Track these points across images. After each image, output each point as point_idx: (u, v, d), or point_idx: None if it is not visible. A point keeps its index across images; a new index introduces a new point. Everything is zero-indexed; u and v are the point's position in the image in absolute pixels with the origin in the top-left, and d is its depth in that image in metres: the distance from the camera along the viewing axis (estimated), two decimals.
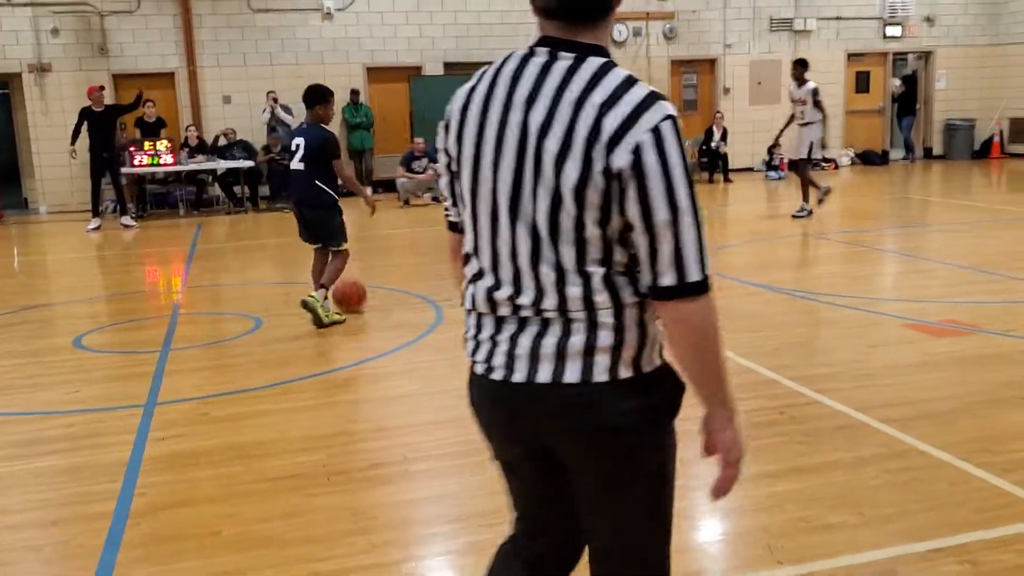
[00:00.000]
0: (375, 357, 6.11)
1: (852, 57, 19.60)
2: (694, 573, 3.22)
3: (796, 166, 12.13)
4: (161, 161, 14.54)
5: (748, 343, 5.98)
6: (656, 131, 1.65)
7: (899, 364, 5.45)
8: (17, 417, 5.15)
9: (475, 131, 1.81)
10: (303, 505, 3.82)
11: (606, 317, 1.75)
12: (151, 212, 15.29)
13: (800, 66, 11.96)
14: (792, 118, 12.13)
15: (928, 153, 20.19)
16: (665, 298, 1.70)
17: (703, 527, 3.57)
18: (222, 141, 15.63)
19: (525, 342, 1.80)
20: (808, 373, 5.32)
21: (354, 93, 16.72)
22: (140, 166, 14.49)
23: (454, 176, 1.91)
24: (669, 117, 1.67)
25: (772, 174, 17.85)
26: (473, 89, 1.85)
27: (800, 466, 4.02)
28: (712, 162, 17.57)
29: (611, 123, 1.65)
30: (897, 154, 19.97)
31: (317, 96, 6.99)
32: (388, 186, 16.84)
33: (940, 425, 4.45)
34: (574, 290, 1.74)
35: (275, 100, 15.79)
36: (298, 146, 6.98)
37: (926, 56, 19.97)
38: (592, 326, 1.75)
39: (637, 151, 1.64)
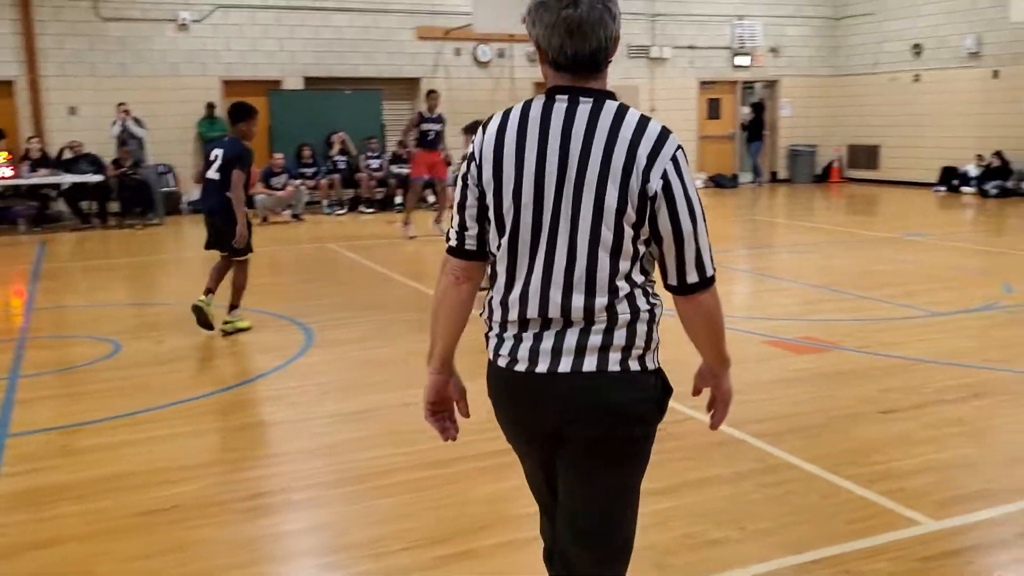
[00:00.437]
0: (245, 382, 5.91)
1: (704, 85, 20.43)
2: None
3: None
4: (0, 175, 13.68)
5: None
6: (675, 159, 2.05)
7: (765, 380, 5.67)
8: None
9: (514, 166, 2.08)
10: (181, 539, 3.64)
11: (623, 323, 2.08)
12: None
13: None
14: None
15: (774, 177, 21.21)
16: (690, 292, 2.11)
17: None
18: (68, 154, 14.85)
19: (549, 342, 2.09)
20: (681, 390, 5.42)
21: (210, 107, 16.25)
22: None
23: (485, 208, 2.15)
24: (679, 146, 2.07)
25: None
26: (501, 132, 2.11)
27: (683, 483, 4.12)
28: None
29: (643, 154, 2.01)
30: (746, 178, 20.91)
31: (241, 112, 7.27)
32: (245, 203, 16.35)
33: (808, 439, 4.66)
34: (601, 301, 2.06)
35: (127, 112, 15.12)
36: (216, 156, 7.21)
37: (772, 85, 21.02)
38: (610, 329, 2.07)
39: (665, 176, 2.02)
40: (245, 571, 3.41)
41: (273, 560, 3.57)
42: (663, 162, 2.02)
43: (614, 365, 2.07)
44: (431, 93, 13.25)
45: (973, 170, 17.82)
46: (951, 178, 18.38)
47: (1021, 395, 5.43)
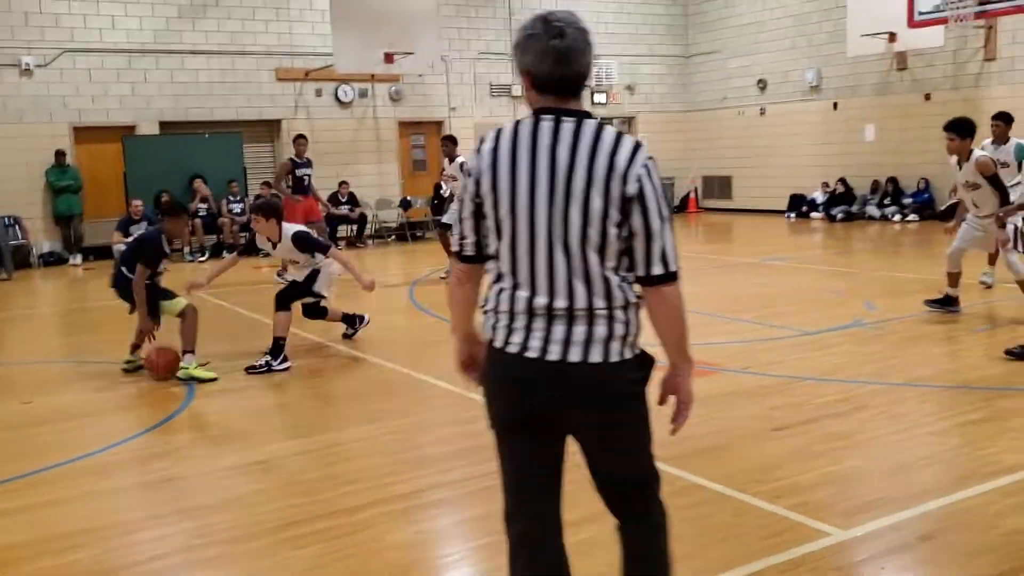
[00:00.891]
0: (130, 438, 5.61)
1: None
2: None
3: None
4: None
5: None
6: (646, 167, 2.37)
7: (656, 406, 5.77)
8: None
9: (508, 178, 2.39)
10: None
11: (619, 313, 2.40)
12: None
13: (451, 143, 11.95)
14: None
15: None
16: (655, 284, 2.40)
17: None
18: None
19: (559, 332, 2.39)
20: None
21: (60, 155, 15.54)
22: None
23: (482, 217, 2.46)
24: (650, 157, 2.39)
25: None
26: (495, 149, 2.42)
27: (600, 511, 4.11)
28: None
29: (621, 163, 2.33)
30: None
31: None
32: (100, 253, 15.69)
33: (711, 460, 4.77)
34: (598, 294, 2.38)
35: None
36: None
37: (629, 121, 21.72)
38: (610, 320, 2.39)
39: (639, 180, 2.34)
40: None
41: None
42: (637, 168, 2.34)
43: (615, 356, 2.40)
44: (299, 138, 13.00)
45: (820, 196, 18.87)
46: (800, 205, 19.40)
47: (895, 406, 5.73)
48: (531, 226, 2.38)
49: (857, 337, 7.71)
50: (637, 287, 2.45)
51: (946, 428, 5.27)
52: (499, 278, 2.49)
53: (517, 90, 19.96)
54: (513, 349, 2.44)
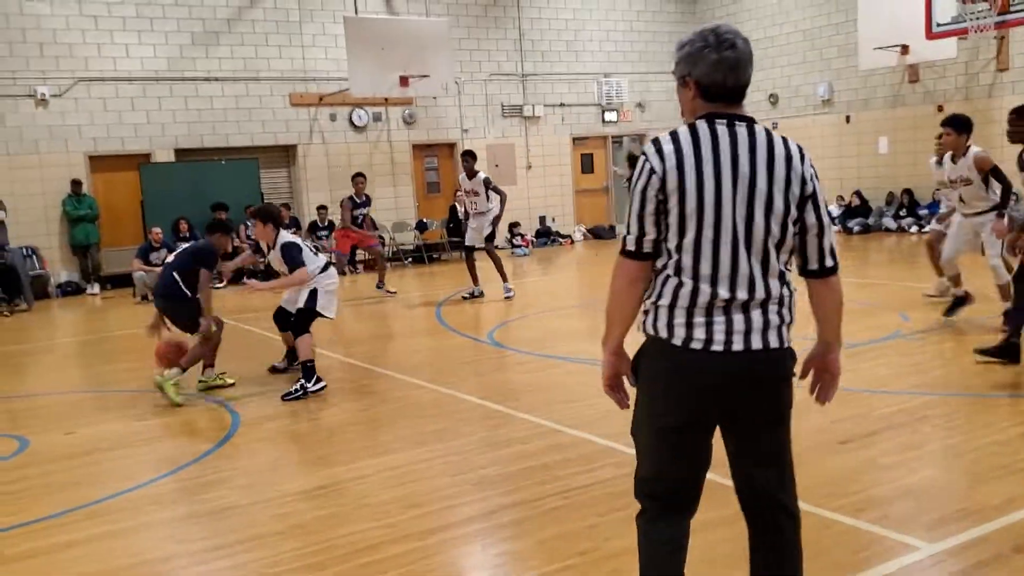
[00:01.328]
0: (183, 466, 5.52)
1: (577, 140, 20.94)
2: None
3: (486, 251, 12.06)
4: None
5: (571, 414, 6.05)
6: (813, 167, 2.64)
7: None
8: None
9: (695, 178, 2.50)
10: None
11: (787, 303, 2.62)
12: None
13: (471, 158, 11.98)
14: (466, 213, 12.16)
15: None
16: (826, 275, 2.66)
17: None
18: None
19: (739, 323, 2.55)
20: None
21: (76, 184, 15.50)
22: None
23: (665, 214, 2.55)
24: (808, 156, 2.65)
25: (519, 251, 18.54)
26: (679, 150, 2.52)
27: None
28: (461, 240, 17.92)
29: (797, 165, 2.57)
30: (622, 227, 21.38)
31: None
32: (118, 282, 15.66)
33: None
34: (778, 287, 2.59)
35: None
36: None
37: (640, 138, 21.72)
38: (780, 308, 2.60)
39: (812, 181, 2.59)
40: None
41: None
42: (808, 170, 2.59)
43: (786, 342, 2.62)
44: (357, 176, 13.60)
45: (835, 210, 18.82)
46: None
47: (954, 416, 5.66)
48: (717, 223, 2.52)
49: (900, 349, 7.64)
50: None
51: (1011, 438, 5.18)
52: (676, 273, 2.58)
53: (528, 111, 19.99)
54: (697, 345, 2.56)
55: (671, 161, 2.53)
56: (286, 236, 7.59)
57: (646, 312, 2.67)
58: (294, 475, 5.26)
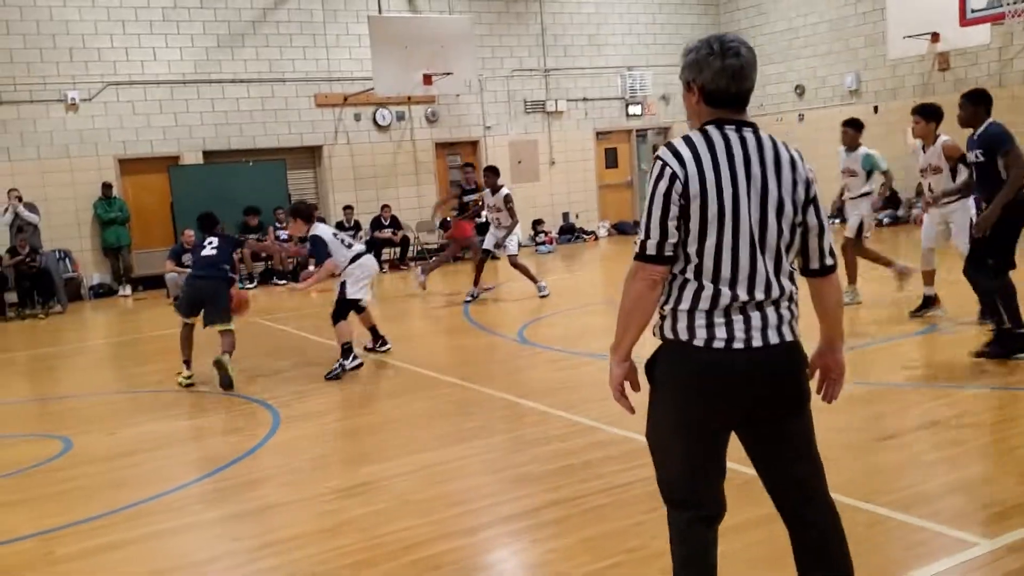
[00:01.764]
0: (225, 466, 5.56)
1: (600, 135, 20.89)
2: None
3: (510, 263, 11.98)
4: None
5: (608, 412, 6.01)
6: (811, 171, 2.75)
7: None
8: None
9: (715, 183, 2.57)
10: None
11: (795, 299, 2.71)
12: None
13: (493, 174, 11.86)
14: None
15: None
16: (827, 273, 2.76)
17: None
18: None
19: (757, 320, 2.62)
20: None
21: (106, 187, 15.64)
22: None
23: (687, 219, 2.57)
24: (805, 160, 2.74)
25: (542, 248, 18.53)
26: (697, 155, 2.58)
27: (722, 528, 4.04)
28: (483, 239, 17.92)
29: (800, 171, 2.67)
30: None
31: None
32: (150, 284, 15.79)
33: (827, 472, 4.65)
34: (788, 285, 2.68)
35: (19, 198, 14.40)
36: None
37: (665, 132, 21.65)
38: (790, 304, 2.69)
39: (813, 184, 2.69)
40: None
41: None
42: (810, 174, 2.71)
43: (797, 335, 2.70)
44: (466, 167, 13.77)
45: None
46: (843, 210, 19.18)
47: (998, 410, 5.61)
48: (735, 226, 2.58)
49: (937, 342, 7.58)
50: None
51: None
52: (696, 277, 2.62)
53: (551, 106, 19.97)
54: (719, 344, 2.61)
55: (692, 166, 2.57)
56: (316, 229, 8.04)
57: (663, 317, 2.69)
58: (336, 473, 5.30)
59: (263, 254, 15.66)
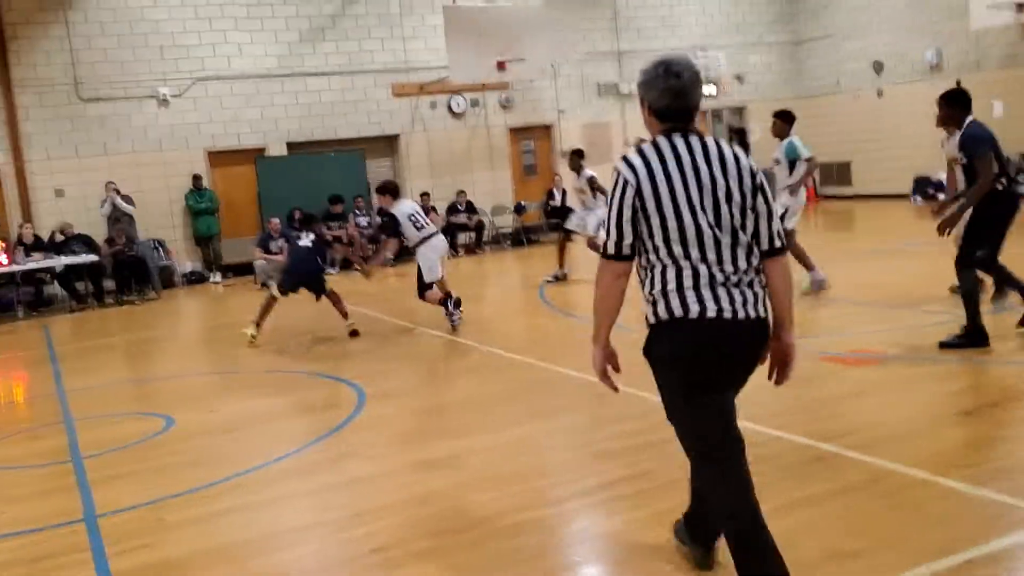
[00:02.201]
0: (314, 441, 5.87)
1: None
2: None
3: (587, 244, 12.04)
4: None
5: None
6: (755, 163, 3.14)
7: (834, 395, 5.77)
8: None
9: (667, 185, 2.99)
10: None
11: (759, 277, 3.07)
12: None
13: (578, 156, 11.99)
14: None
15: None
16: (776, 255, 3.10)
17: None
18: (59, 237, 14.75)
19: (747, 295, 3.01)
20: (755, 412, 5.46)
21: (196, 179, 16.24)
22: None
23: (647, 215, 2.99)
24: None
25: None
26: (648, 163, 3.00)
27: (793, 501, 4.16)
28: (559, 222, 18.08)
29: (745, 165, 3.07)
30: None
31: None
32: (239, 271, 16.37)
33: (901, 446, 4.73)
34: (754, 262, 3.05)
35: (116, 191, 15.08)
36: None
37: (740, 111, 21.46)
38: (757, 282, 3.06)
39: (759, 174, 3.09)
40: None
41: None
42: (754, 167, 3.10)
43: (765, 311, 3.07)
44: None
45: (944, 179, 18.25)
46: (925, 187, 18.82)
47: None
48: (693, 215, 2.97)
49: (1012, 320, 7.47)
50: None
51: None
52: (672, 262, 3.01)
53: (624, 88, 19.97)
54: (710, 313, 2.95)
55: (643, 172, 3.00)
56: (399, 206, 9.32)
57: (654, 303, 3.04)
58: (420, 448, 5.55)
59: (343, 241, 16.18)
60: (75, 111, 15.61)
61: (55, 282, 14.64)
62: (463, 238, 18.01)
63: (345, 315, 9.47)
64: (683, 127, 3.07)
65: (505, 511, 4.35)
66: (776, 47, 21.58)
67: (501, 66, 16.39)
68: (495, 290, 12.64)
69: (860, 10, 20.08)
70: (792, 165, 9.61)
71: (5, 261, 13.58)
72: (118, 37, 15.80)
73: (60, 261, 14.12)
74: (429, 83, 17.88)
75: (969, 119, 6.80)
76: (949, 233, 6.71)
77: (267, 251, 14.72)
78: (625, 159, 3.05)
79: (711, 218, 2.98)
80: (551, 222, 18.36)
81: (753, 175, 3.04)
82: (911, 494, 4.11)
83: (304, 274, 9.64)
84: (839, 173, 21.12)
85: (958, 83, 18.31)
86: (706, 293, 2.96)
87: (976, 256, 6.68)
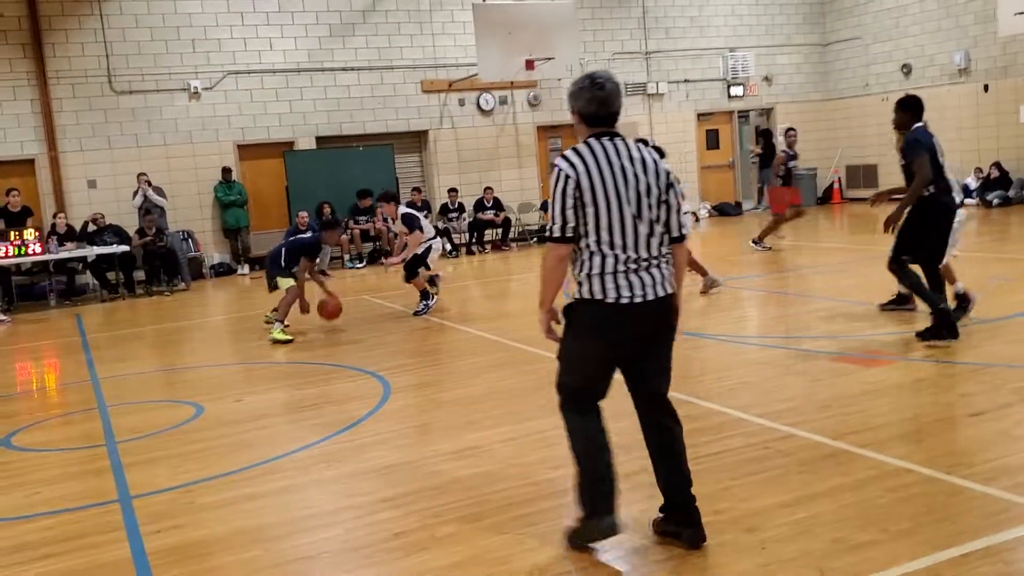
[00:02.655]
0: (342, 430, 6.04)
1: (701, 116, 20.86)
2: None
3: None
4: (29, 251, 13.83)
5: (703, 387, 6.30)
6: (666, 163, 3.87)
7: (848, 394, 5.86)
8: None
9: (600, 180, 3.59)
10: None
11: (667, 261, 3.73)
12: (17, 305, 14.45)
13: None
14: None
15: None
16: (680, 241, 3.78)
17: (751, 558, 3.75)
18: (91, 227, 15.04)
19: (656, 276, 3.67)
20: (771, 409, 5.65)
21: (226, 171, 16.49)
22: (6, 257, 13.73)
23: (584, 204, 3.58)
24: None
25: None
26: (583, 157, 3.61)
27: (809, 494, 4.28)
28: None
29: (662, 165, 3.71)
30: (750, 204, 21.25)
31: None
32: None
33: (912, 445, 4.84)
34: (664, 249, 3.71)
35: (148, 182, 15.36)
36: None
37: (767, 113, 21.46)
38: (668, 265, 3.73)
39: (670, 174, 3.74)
40: None
41: None
42: (666, 167, 3.73)
43: (671, 288, 3.72)
44: (789, 131, 14.45)
45: (973, 182, 18.22)
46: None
47: None
48: (620, 208, 3.58)
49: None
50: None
51: None
52: (599, 249, 3.61)
53: (652, 88, 20.05)
54: (624, 300, 3.60)
55: (581, 168, 3.58)
56: (404, 208, 10.41)
57: (580, 283, 3.67)
58: (445, 438, 5.71)
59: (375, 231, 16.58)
60: (108, 103, 15.90)
61: (87, 272, 14.95)
62: (490, 235, 18.16)
63: (281, 320, 9.48)
64: (608, 131, 3.66)
65: (523, 500, 4.50)
66: (805, 49, 21.57)
67: (530, 65, 16.53)
68: (521, 286, 12.78)
69: (891, 11, 20.03)
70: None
71: (39, 250, 13.88)
72: (151, 30, 16.09)
73: (92, 251, 14.41)
74: (458, 80, 18.04)
75: (916, 125, 7.23)
76: (894, 230, 7.23)
77: None
78: (564, 156, 3.62)
79: (634, 210, 3.58)
80: None
81: (667, 174, 3.69)
82: (919, 490, 4.21)
83: (268, 262, 10.18)
84: (865, 175, 21.09)
85: (985, 87, 18.27)
86: (621, 281, 3.60)
87: (903, 260, 7.23)
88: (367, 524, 4.43)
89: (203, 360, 9.29)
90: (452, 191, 17.93)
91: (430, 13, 18.01)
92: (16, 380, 9.22)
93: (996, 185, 17.81)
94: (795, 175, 14.31)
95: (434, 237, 10.50)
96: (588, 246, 3.60)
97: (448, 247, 16.58)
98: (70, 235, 14.61)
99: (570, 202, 3.56)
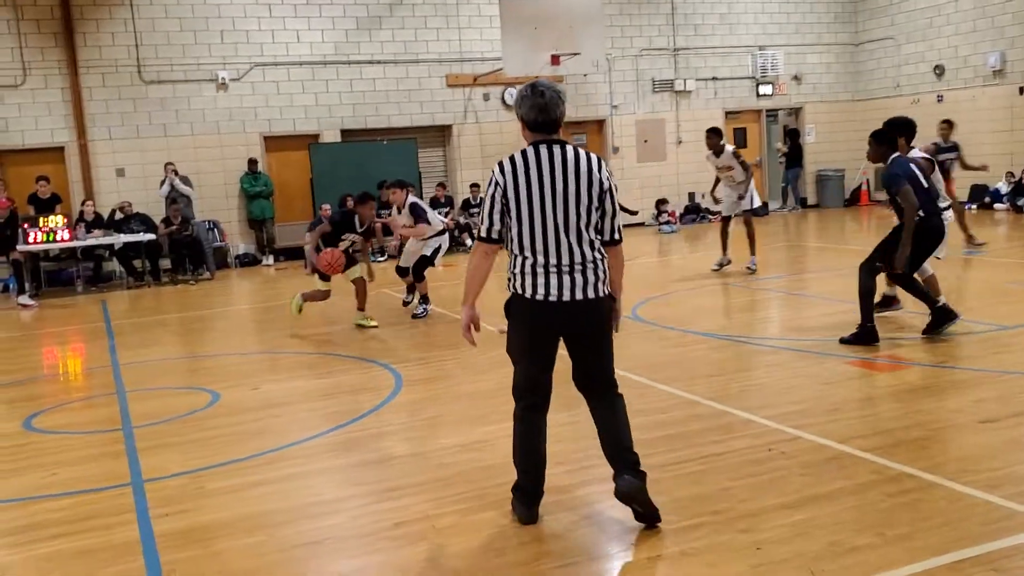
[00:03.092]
0: (352, 420, 6.11)
1: (729, 115, 20.75)
2: None
3: (743, 220, 12.18)
4: (57, 237, 14.04)
5: (713, 388, 6.30)
6: (609, 171, 4.00)
7: (858, 398, 5.85)
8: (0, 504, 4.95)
9: (526, 187, 3.84)
10: (347, 567, 3.84)
11: (601, 265, 3.94)
12: (45, 290, 14.68)
13: (716, 135, 11.91)
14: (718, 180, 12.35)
15: (803, 203, 21.44)
16: (615, 244, 4.00)
17: (744, 559, 3.76)
18: (119, 215, 15.24)
19: (577, 280, 3.88)
20: (780, 412, 5.65)
21: (252, 163, 16.64)
22: (35, 243, 13.95)
23: (507, 212, 3.88)
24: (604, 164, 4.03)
25: (666, 228, 18.62)
26: (515, 168, 3.87)
27: (809, 497, 4.28)
28: None
29: (597, 172, 3.90)
30: (775, 204, 21.13)
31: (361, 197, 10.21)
32: (290, 254, 16.74)
33: (917, 450, 4.82)
34: (594, 254, 3.91)
35: (175, 172, 15.53)
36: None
37: (796, 112, 21.32)
38: (597, 269, 3.92)
39: (608, 181, 3.93)
40: None
41: None
42: (605, 174, 3.93)
43: (602, 292, 3.94)
44: (944, 123, 13.51)
45: (1004, 187, 18.01)
46: (982, 196, 18.56)
47: None
48: (543, 216, 3.83)
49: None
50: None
51: None
52: (521, 252, 3.90)
53: (680, 85, 19.98)
54: (552, 297, 3.87)
55: (509, 175, 3.86)
56: (412, 198, 10.16)
57: (511, 279, 3.97)
58: (452, 431, 5.75)
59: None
60: (137, 92, 16.09)
61: (113, 259, 15.16)
62: None
63: (361, 309, 9.72)
64: (551, 137, 3.89)
65: None
66: (835, 48, 21.40)
67: (555, 60, 16.51)
68: None
69: (924, 11, 19.82)
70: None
71: (67, 237, 14.08)
72: (180, 20, 16.25)
73: (119, 239, 14.61)
74: (483, 74, 18.07)
75: (893, 156, 7.23)
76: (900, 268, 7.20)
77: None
78: (500, 164, 3.90)
79: (560, 218, 3.82)
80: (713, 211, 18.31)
81: (602, 183, 3.87)
82: (919, 495, 4.21)
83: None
84: None
85: (1020, 90, 18.03)
86: (544, 280, 3.86)
87: (876, 266, 7.32)
88: (369, 513, 4.49)
89: (224, 348, 9.41)
90: (474, 186, 17.98)
91: (457, 7, 18.06)
92: (41, 363, 9.39)
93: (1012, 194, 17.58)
94: (945, 167, 12.79)
95: (442, 232, 10.26)
96: (513, 248, 3.92)
97: (469, 242, 16.59)
98: (98, 222, 14.82)
99: (497, 207, 3.87)
